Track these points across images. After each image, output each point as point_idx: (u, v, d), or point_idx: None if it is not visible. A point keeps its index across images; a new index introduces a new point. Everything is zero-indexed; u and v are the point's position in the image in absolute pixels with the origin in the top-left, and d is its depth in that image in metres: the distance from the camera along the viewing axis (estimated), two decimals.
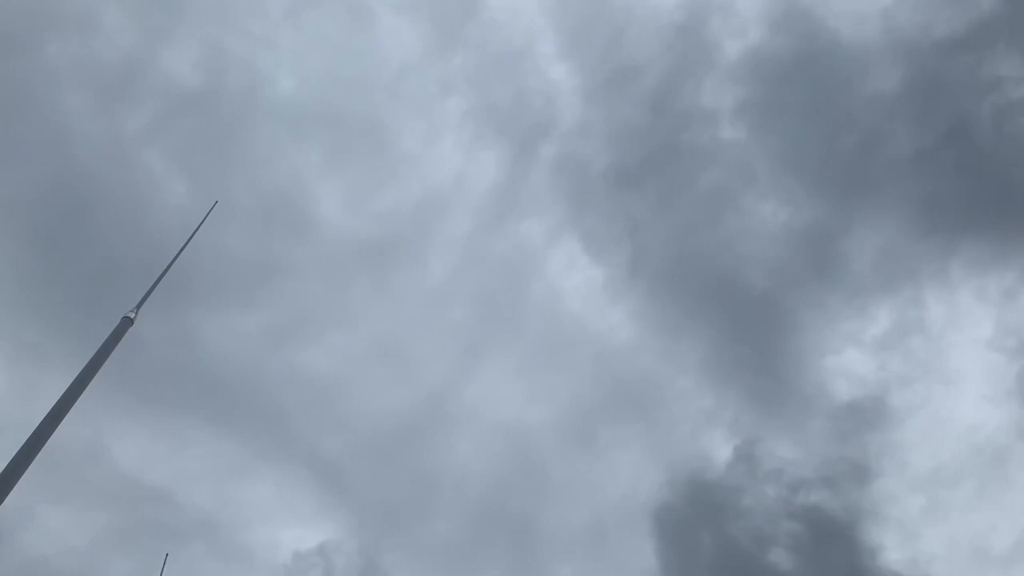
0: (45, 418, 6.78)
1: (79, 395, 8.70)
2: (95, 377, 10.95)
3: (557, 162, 70.46)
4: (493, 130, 68.81)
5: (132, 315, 11.43)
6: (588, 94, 70.81)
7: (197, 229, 12.56)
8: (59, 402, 8.56)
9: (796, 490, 54.34)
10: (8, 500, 8.36)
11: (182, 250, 12.73)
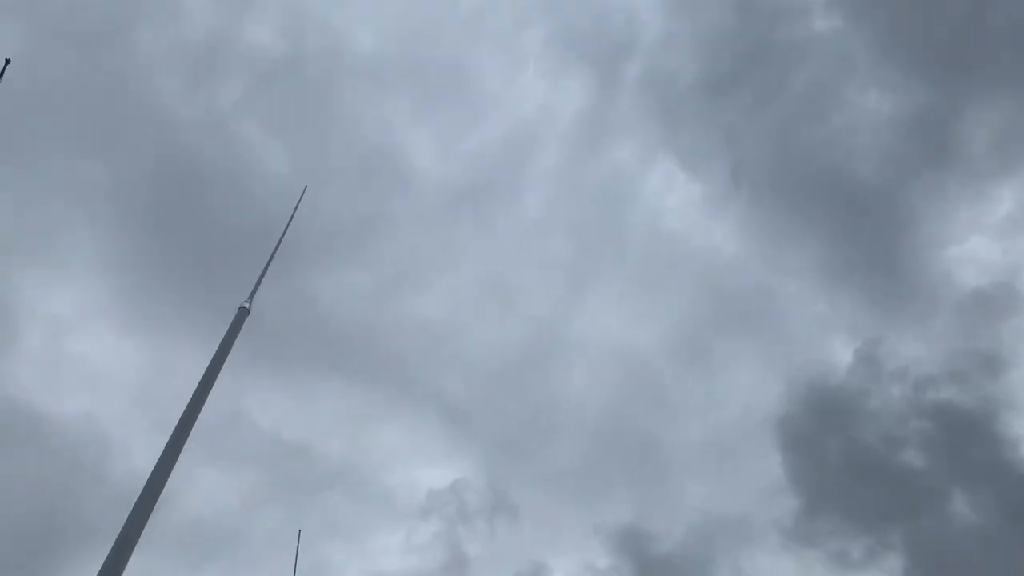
0: (187, 407, 7.47)
1: (213, 382, 9.51)
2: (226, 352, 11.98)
3: (644, 80, 68.87)
4: (575, 56, 67.66)
5: (247, 305, 12.33)
6: (670, 4, 68.45)
7: (292, 216, 13.30)
8: (196, 392, 9.41)
9: (924, 388, 52.82)
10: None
11: (282, 238, 13.41)
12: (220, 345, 10.88)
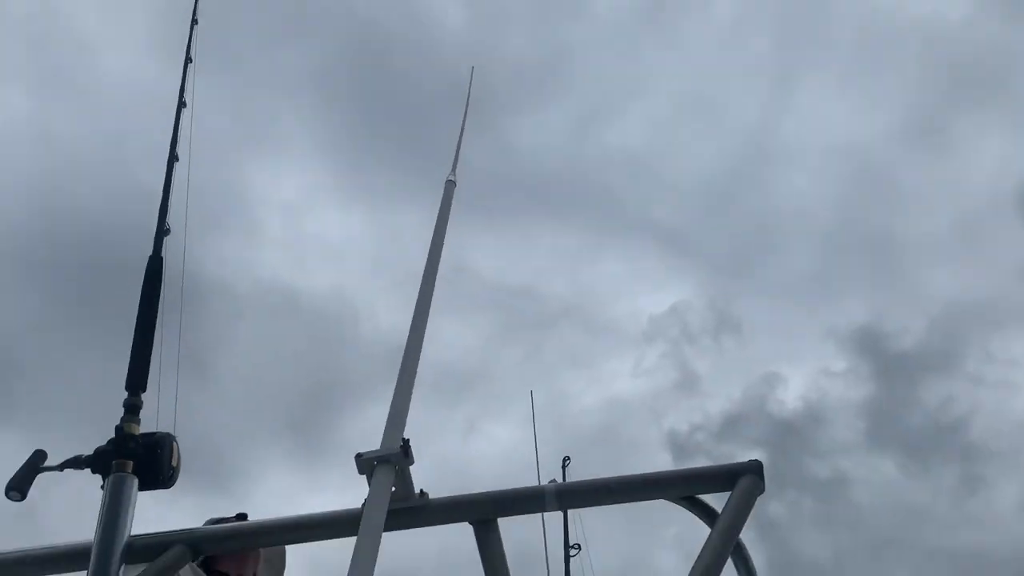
0: (422, 285, 7.94)
1: (439, 260, 10.01)
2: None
3: None
4: None
5: (453, 178, 12.63)
6: None
7: (468, 102, 13.04)
8: (427, 268, 9.92)
9: None
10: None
11: (465, 118, 13.31)
12: (437, 221, 11.39)
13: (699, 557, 1.80)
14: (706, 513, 2.00)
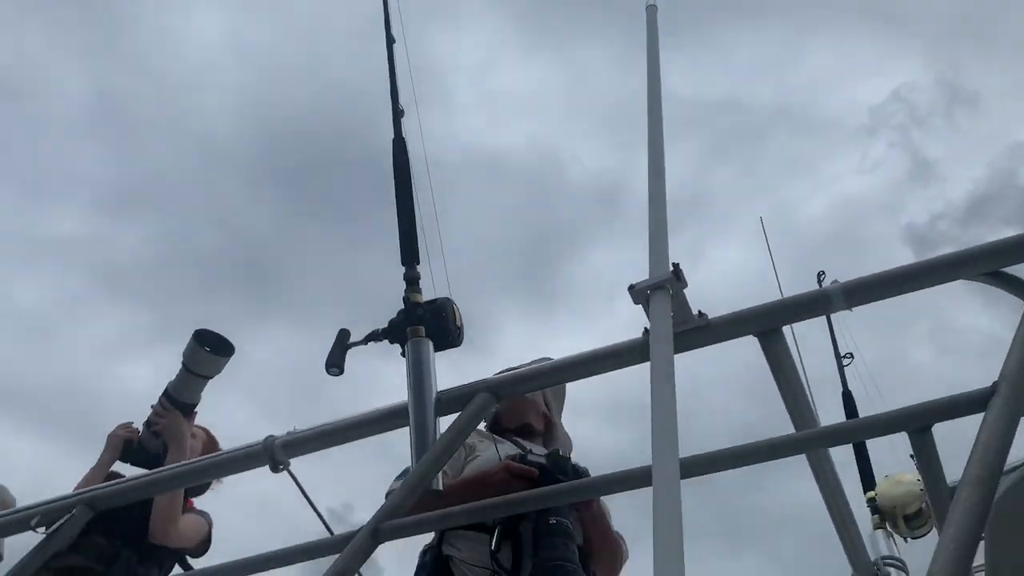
0: (649, 113, 7.85)
1: (660, 88, 9.67)
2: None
3: None
4: None
5: (652, 1, 11.89)
6: None
7: None
8: (650, 100, 9.64)
9: None
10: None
11: None
12: (648, 50, 10.96)
13: (1018, 332, 1.64)
14: (1016, 286, 1.82)
